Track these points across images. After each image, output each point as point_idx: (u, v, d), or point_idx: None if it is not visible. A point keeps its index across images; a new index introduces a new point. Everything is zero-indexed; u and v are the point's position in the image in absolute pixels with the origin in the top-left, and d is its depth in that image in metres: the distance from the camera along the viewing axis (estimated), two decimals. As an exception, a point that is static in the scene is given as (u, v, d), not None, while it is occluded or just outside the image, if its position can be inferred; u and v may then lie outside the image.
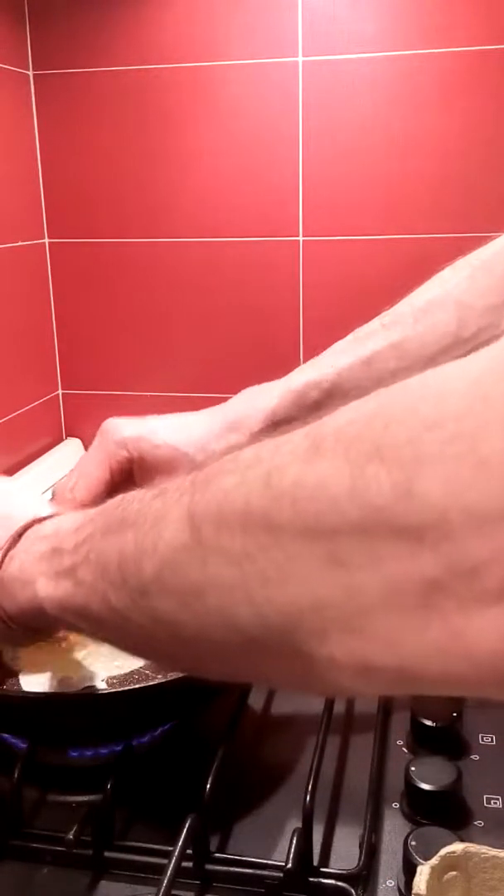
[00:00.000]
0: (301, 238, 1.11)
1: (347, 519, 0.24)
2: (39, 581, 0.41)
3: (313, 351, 1.19)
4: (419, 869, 0.43)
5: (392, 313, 0.62)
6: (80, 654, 0.62)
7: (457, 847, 0.44)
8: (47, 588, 0.40)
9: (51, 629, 0.48)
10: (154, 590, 0.32)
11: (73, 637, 0.63)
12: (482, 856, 0.44)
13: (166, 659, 0.39)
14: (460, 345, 0.57)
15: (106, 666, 0.60)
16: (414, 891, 0.42)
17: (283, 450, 0.29)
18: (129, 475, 0.61)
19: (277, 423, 0.59)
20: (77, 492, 0.60)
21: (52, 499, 0.61)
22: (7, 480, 0.56)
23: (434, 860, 0.44)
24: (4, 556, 0.44)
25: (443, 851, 0.44)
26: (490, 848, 0.44)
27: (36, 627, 0.44)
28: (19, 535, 0.44)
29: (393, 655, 0.24)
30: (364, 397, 0.27)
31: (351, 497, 0.24)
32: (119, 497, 0.40)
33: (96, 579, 0.36)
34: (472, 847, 0.44)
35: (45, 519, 0.45)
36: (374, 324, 0.63)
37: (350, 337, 0.63)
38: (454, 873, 0.44)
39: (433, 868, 0.43)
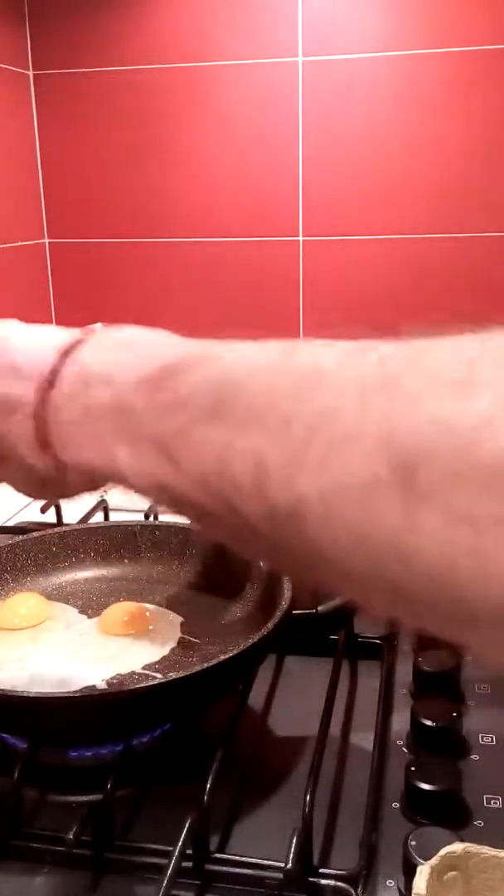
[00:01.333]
0: (301, 238, 1.11)
1: None
2: (117, 444, 0.33)
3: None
4: (419, 869, 0.43)
5: None
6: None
7: (457, 847, 0.44)
8: (130, 455, 0.33)
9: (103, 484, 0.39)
10: (313, 515, 0.27)
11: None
12: (482, 856, 0.44)
13: (294, 569, 0.32)
14: None
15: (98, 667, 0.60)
16: (414, 891, 0.42)
17: None
18: None
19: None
20: None
21: None
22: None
23: (434, 860, 0.44)
24: (44, 401, 0.36)
25: (443, 851, 0.44)
26: (490, 848, 0.44)
27: (95, 484, 0.38)
28: (55, 371, 0.36)
29: None
30: None
31: None
32: (202, 349, 0.33)
33: (209, 472, 0.30)
34: (473, 847, 0.44)
35: (76, 343, 0.37)
36: None
37: None
38: (454, 873, 0.44)
39: (433, 868, 0.43)
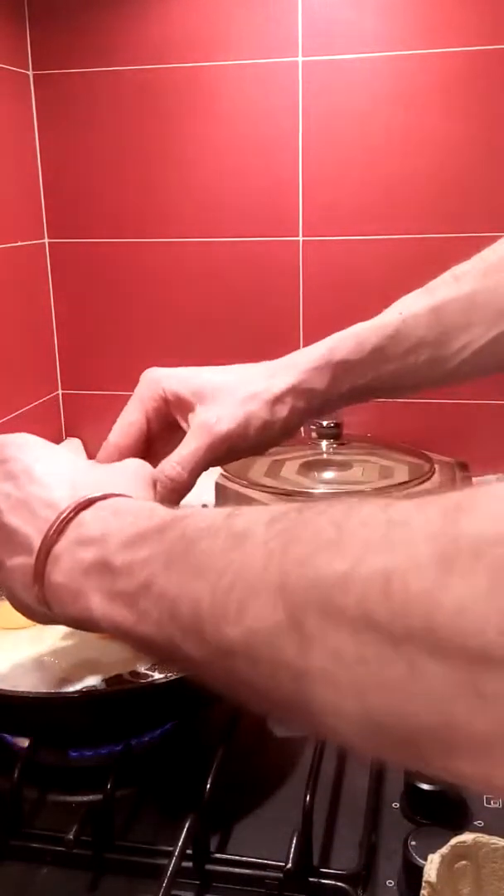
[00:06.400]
0: (301, 238, 1.11)
1: (494, 655, 0.22)
2: (93, 599, 0.39)
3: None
4: (430, 857, 0.43)
5: (463, 266, 0.63)
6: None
7: (467, 837, 0.45)
8: (103, 608, 0.39)
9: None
10: (240, 654, 0.31)
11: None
12: (492, 846, 0.45)
13: (233, 693, 0.36)
14: None
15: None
16: (425, 878, 0.42)
17: (398, 543, 0.26)
18: (167, 422, 0.59)
19: (336, 364, 0.59)
20: (112, 436, 0.58)
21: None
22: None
23: (444, 849, 0.44)
24: (47, 554, 0.41)
25: (453, 841, 0.44)
26: (500, 839, 0.45)
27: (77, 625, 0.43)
28: (60, 530, 0.42)
29: None
30: None
31: (500, 632, 0.22)
32: (172, 515, 0.38)
33: (164, 619, 0.35)
34: (483, 837, 0.45)
35: (83, 507, 0.42)
36: (446, 276, 0.63)
37: (420, 289, 0.63)
38: (464, 862, 0.44)
39: (443, 857, 0.43)
